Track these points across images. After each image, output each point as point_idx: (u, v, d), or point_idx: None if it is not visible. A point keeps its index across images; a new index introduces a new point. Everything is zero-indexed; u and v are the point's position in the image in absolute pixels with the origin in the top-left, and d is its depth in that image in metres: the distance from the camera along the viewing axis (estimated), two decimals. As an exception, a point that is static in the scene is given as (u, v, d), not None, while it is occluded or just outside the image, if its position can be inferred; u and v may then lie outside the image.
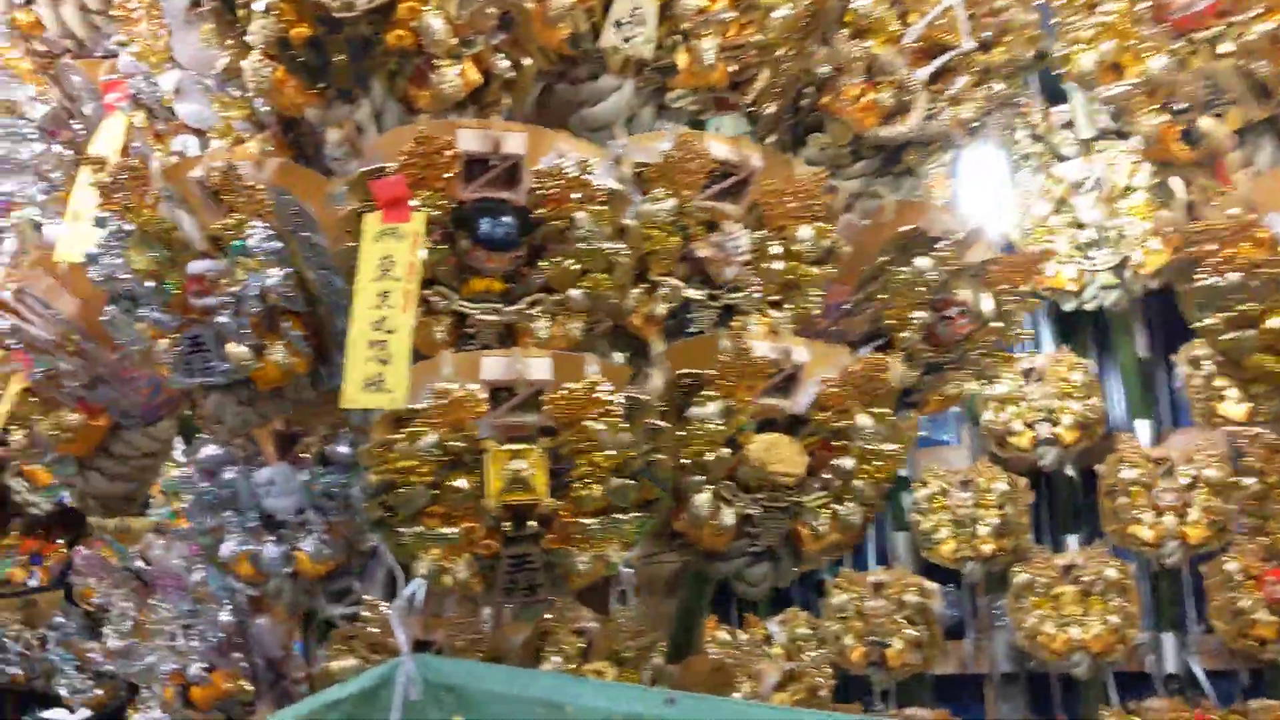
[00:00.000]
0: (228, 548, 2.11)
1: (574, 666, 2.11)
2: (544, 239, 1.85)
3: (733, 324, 2.03)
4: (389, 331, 1.71)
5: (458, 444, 1.74)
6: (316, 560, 2.08)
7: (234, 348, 1.91)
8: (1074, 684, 3.92)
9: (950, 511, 3.85)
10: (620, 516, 1.79)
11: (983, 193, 3.71)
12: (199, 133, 2.13)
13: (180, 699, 2.26)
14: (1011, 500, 3.83)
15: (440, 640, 2.10)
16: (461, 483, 1.75)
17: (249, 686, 2.21)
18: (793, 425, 2.02)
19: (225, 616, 2.22)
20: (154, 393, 2.29)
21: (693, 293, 2.02)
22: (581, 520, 1.79)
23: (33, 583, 5.34)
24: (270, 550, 2.09)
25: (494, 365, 1.80)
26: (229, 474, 2.11)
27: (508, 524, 1.80)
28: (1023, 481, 3.89)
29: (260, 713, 2.23)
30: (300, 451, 2.12)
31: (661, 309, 1.99)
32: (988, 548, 3.82)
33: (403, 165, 1.75)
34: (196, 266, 1.92)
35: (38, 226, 2.41)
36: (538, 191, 1.83)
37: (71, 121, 2.31)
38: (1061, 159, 3.88)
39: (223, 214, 1.99)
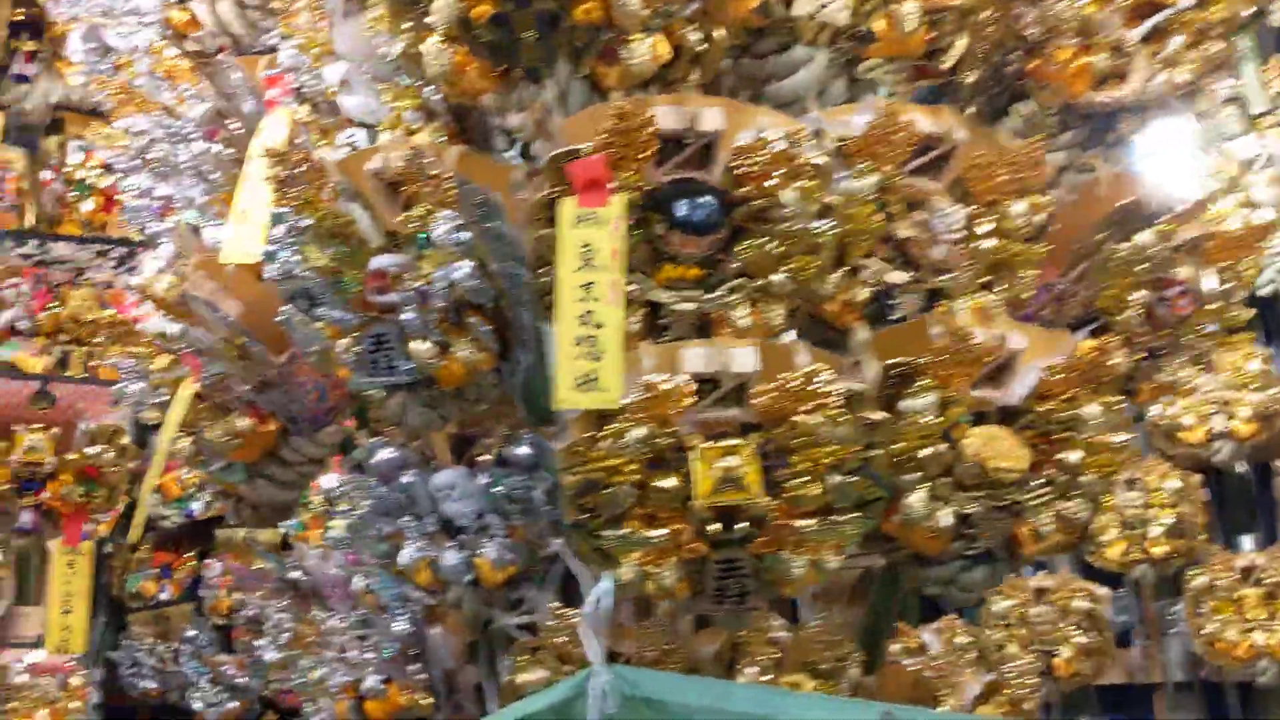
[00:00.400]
0: (407, 555, 2.02)
1: (769, 678, 1.98)
2: (743, 221, 1.74)
3: (937, 309, 1.89)
4: (597, 326, 1.60)
5: (664, 441, 1.63)
6: (498, 567, 1.98)
7: (418, 345, 1.82)
8: (1252, 692, 3.69)
9: (1118, 512, 3.63)
10: (839, 518, 1.66)
11: (1163, 167, 3.49)
12: (368, 126, 2.05)
13: (355, 713, 2.18)
14: (1186, 499, 3.61)
15: (629, 651, 1.98)
16: (669, 482, 1.63)
17: (426, 700, 2.12)
18: (1005, 417, 1.87)
19: (400, 626, 2.13)
20: (320, 397, 2.22)
21: (897, 276, 1.88)
22: (796, 522, 1.66)
23: (163, 596, 5.38)
24: (450, 557, 1.99)
25: (696, 357, 1.68)
26: (407, 478, 2.02)
27: (714, 526, 1.68)
28: (1195, 478, 3.67)
29: (440, 726, 2.14)
30: (477, 454, 2.02)
31: (863, 294, 1.86)
32: (1160, 549, 3.60)
33: (600, 145, 1.64)
34: (379, 262, 1.83)
35: (195, 229, 2.36)
36: (738, 169, 1.71)
37: (228, 121, 2.25)
38: (1228, 137, 3.66)
39: (399, 207, 1.91)
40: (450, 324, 1.82)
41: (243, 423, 2.10)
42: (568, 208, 1.65)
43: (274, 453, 2.18)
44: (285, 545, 5.45)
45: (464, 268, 1.75)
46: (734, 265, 1.75)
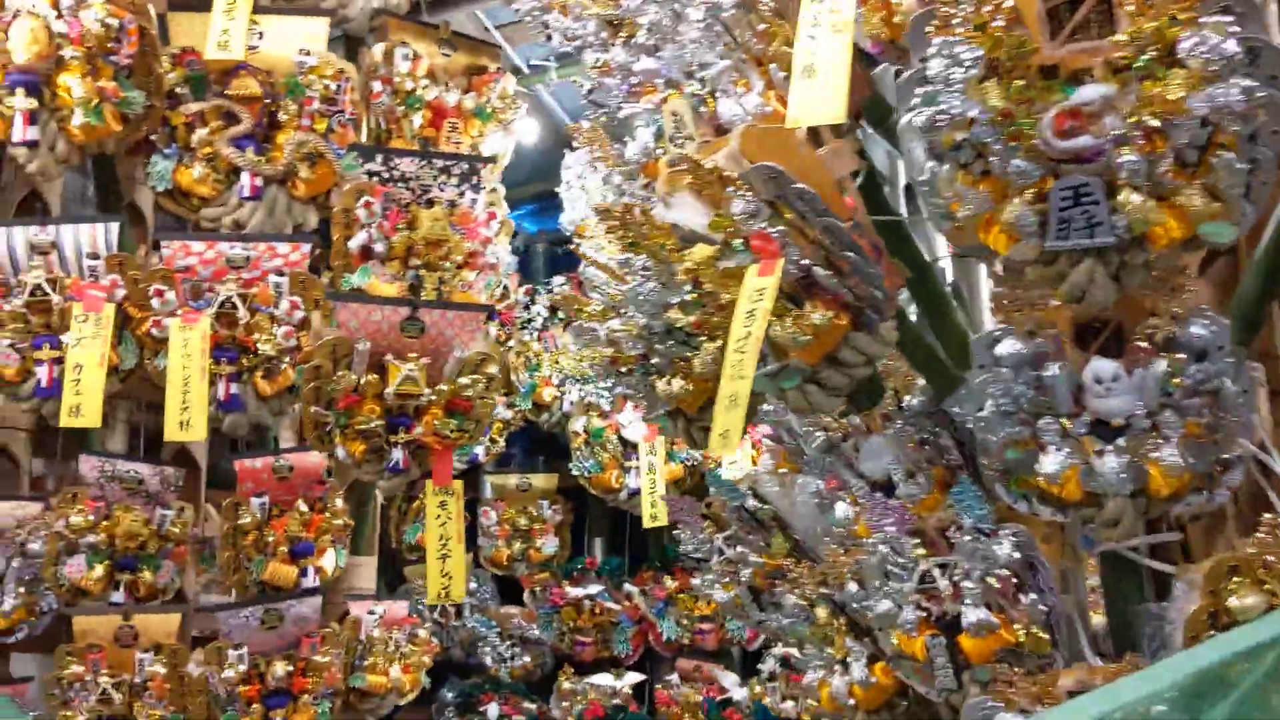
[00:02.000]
0: (1053, 461, 1.69)
1: None
2: None
3: None
4: None
5: None
6: (1173, 474, 1.64)
7: (1132, 196, 1.48)
8: None
9: None
10: None
11: None
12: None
13: (941, 651, 1.85)
14: None
15: (1354, 569, 1.63)
16: None
17: (1043, 635, 1.79)
18: None
19: (1005, 550, 1.80)
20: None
21: None
22: None
23: (438, 548, 5.13)
24: (1110, 462, 1.65)
25: None
26: (1052, 370, 1.68)
27: None
28: None
29: (1060, 665, 1.81)
30: (1135, 339, 1.67)
31: None
32: None
33: None
34: (1084, 94, 1.49)
35: (697, 105, 2.03)
36: None
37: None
38: None
39: (1056, 40, 1.57)
40: (1179, 167, 1.47)
41: (818, 316, 1.77)
42: None
43: (833, 354, 1.86)
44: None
45: (1237, 86, 1.39)
46: None
